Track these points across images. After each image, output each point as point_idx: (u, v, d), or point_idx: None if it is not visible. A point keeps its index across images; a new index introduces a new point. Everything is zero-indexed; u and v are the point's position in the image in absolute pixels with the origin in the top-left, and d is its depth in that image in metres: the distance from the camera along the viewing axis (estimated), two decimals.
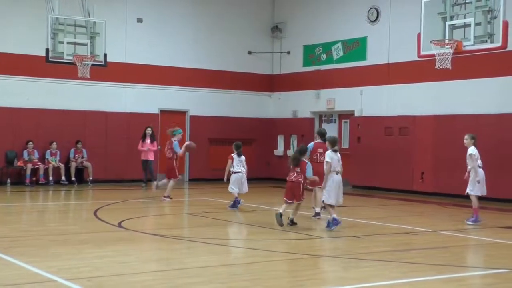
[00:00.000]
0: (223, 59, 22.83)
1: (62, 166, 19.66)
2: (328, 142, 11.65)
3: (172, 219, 13.55)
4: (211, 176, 22.24)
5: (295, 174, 11.54)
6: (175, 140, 15.87)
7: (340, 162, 11.48)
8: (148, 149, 19.51)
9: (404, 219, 13.33)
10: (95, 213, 13.05)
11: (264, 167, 23.06)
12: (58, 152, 19.78)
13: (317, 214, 12.82)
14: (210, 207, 14.95)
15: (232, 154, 14.33)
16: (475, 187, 12.64)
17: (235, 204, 14.02)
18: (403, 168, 19.02)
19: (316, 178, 11.62)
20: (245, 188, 14.21)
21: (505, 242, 10.61)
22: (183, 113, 22.37)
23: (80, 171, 20.15)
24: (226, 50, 22.91)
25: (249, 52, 23.38)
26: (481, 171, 12.65)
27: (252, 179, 22.07)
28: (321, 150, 12.80)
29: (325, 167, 11.37)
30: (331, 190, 11.31)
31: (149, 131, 19.72)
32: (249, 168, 22.26)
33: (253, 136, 23.19)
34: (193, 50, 22.37)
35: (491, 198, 16.53)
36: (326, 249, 10.06)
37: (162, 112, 21.84)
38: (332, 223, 11.30)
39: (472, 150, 12.66)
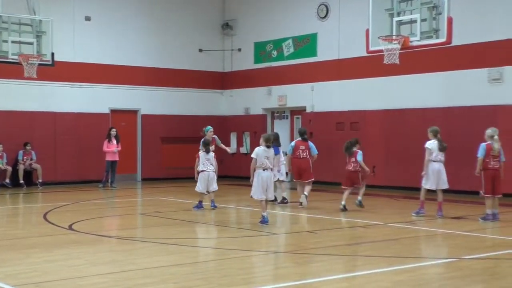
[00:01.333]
0: (174, 57, 22.68)
1: (9, 168, 19.23)
2: (262, 139, 11.77)
3: (125, 220, 13.39)
4: (164, 175, 22.13)
5: (353, 165, 13.63)
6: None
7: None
8: (116, 150, 19.37)
9: (356, 213, 13.46)
10: (44, 216, 12.79)
11: (218, 164, 22.92)
12: (5, 154, 19.32)
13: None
14: (164, 207, 14.84)
15: (199, 152, 14.12)
16: (424, 180, 12.86)
17: (199, 205, 13.83)
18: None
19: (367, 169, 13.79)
20: (213, 187, 13.88)
21: (453, 232, 10.84)
22: (134, 112, 22.16)
23: (29, 173, 19.74)
24: (176, 48, 22.77)
25: (200, 50, 23.29)
26: (434, 164, 12.81)
27: None
28: (303, 147, 14.40)
29: (252, 163, 11.61)
30: (258, 185, 11.47)
31: (113, 131, 19.53)
32: None
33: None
34: (144, 48, 22.16)
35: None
36: (280, 245, 10.09)
37: (113, 111, 21.58)
38: (266, 218, 11.53)
39: (428, 143, 12.87)
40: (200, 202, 13.84)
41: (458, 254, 8.82)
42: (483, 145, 12.05)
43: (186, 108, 22.89)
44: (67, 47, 20.15)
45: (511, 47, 16.14)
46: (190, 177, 21.95)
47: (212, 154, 14.02)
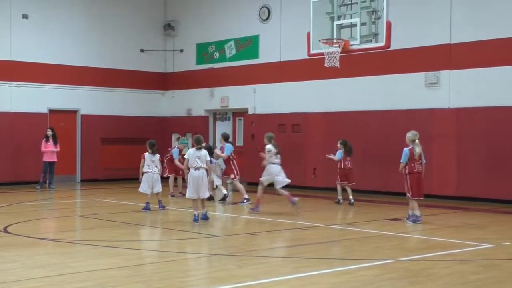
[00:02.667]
0: (115, 57, 22.38)
1: None
2: (194, 140, 12.38)
3: (63, 222, 13.12)
4: (104, 177, 21.81)
5: (350, 163, 15.38)
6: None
7: (209, 159, 12.24)
8: (54, 150, 19.00)
9: (296, 215, 13.57)
10: None
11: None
12: None
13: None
14: (103, 208, 14.62)
15: (145, 153, 13.95)
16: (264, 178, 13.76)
17: (147, 207, 13.70)
18: (296, 164, 19.35)
19: None
20: (157, 188, 13.78)
21: (391, 234, 11.04)
22: (73, 112, 21.76)
23: None
24: (117, 48, 22.48)
25: (142, 50, 23.05)
26: (274, 166, 13.68)
27: None
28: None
29: (184, 162, 12.50)
30: (190, 185, 12.02)
31: (49, 132, 19.18)
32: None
33: (147, 135, 22.72)
34: (84, 48, 21.78)
35: (381, 192, 17.21)
36: (221, 247, 10.07)
37: (52, 111, 21.13)
38: (202, 216, 12.07)
39: (268, 147, 13.69)
40: (147, 203, 13.72)
41: (395, 255, 8.99)
42: (406, 150, 12.23)
43: (127, 108, 22.62)
44: (4, 45, 19.69)
45: (448, 52, 16.57)
46: (131, 179, 21.86)
47: (157, 156, 13.89)
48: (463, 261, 8.68)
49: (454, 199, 15.99)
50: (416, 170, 12.16)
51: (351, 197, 15.34)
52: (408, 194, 12.26)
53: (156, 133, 23.00)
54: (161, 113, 23.55)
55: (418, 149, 12.12)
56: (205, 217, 12.10)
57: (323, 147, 18.78)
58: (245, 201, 15.01)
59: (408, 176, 12.19)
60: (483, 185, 15.81)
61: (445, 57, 16.60)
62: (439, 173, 16.47)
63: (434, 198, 15.91)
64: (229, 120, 22.54)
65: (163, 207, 13.87)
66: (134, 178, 21.90)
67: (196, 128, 22.35)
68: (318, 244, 10.06)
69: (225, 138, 15.90)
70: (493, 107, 15.73)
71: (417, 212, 12.24)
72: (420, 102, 16.96)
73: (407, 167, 12.16)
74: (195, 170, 11.95)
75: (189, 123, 22.74)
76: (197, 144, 12.11)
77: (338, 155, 15.64)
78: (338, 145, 15.71)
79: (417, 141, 12.20)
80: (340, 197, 15.59)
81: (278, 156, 13.66)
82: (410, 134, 12.29)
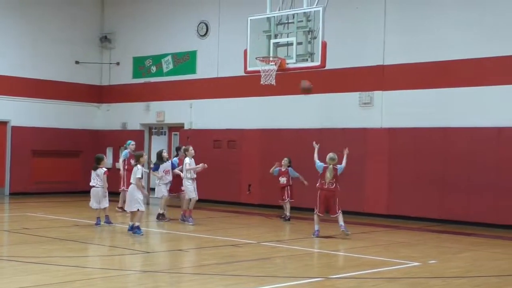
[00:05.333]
0: (49, 67, 21.94)
1: None
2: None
3: None
4: (34, 190, 21.27)
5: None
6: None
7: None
8: None
9: (230, 231, 13.57)
10: None
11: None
12: None
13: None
14: (31, 223, 14.22)
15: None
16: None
17: (97, 221, 13.50)
18: (231, 180, 19.40)
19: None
20: (103, 204, 13.51)
21: (322, 252, 11.15)
22: (3, 123, 21.17)
23: None
24: (52, 59, 22.04)
25: (77, 62, 22.68)
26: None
27: (79, 192, 21.50)
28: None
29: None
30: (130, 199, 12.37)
31: None
32: (76, 180, 21.81)
33: (81, 148, 22.49)
34: (17, 57, 21.27)
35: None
36: (150, 264, 9.94)
37: None
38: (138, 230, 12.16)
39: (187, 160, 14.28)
40: (98, 218, 13.53)
41: (325, 273, 9.07)
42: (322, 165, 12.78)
43: (60, 121, 22.16)
44: None
45: (381, 73, 16.96)
46: (63, 192, 21.41)
47: (101, 170, 13.56)
48: (390, 279, 8.84)
49: (385, 217, 16.29)
50: (326, 187, 12.60)
51: (287, 213, 15.49)
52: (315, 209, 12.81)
53: (91, 147, 22.64)
54: (95, 126, 23.18)
55: (329, 175, 12.54)
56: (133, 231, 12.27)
57: (258, 163, 18.88)
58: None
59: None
60: (413, 204, 16.19)
61: (378, 78, 16.99)
62: (371, 191, 16.77)
63: (366, 216, 16.18)
64: (164, 134, 22.40)
65: (109, 223, 13.62)
66: (66, 192, 21.57)
67: None
68: (249, 261, 10.06)
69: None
70: (421, 127, 16.17)
71: (317, 227, 12.71)
72: (354, 121, 17.27)
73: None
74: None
75: (124, 137, 22.37)
76: (136, 160, 12.65)
77: (275, 172, 15.79)
78: (283, 162, 15.77)
79: (330, 166, 12.46)
80: (286, 212, 15.72)
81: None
82: (330, 156, 12.74)
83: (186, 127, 21.00)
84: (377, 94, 17.03)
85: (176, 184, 15.02)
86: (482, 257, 11.02)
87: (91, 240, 12.13)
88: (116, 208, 16.31)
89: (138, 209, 12.26)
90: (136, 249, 10.92)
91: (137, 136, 22.25)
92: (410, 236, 13.57)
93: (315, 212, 12.82)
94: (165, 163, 14.95)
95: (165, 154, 15.12)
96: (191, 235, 12.94)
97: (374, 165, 16.89)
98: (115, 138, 22.70)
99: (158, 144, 22.37)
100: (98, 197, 13.50)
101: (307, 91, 14.94)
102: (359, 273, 9.18)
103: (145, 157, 13.12)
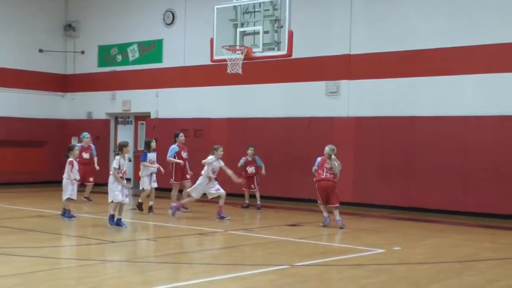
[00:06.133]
0: (11, 56, 21.55)
1: None
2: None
3: None
4: None
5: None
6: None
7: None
8: None
9: (198, 221, 13.54)
10: None
11: (57, 170, 22.09)
12: None
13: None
14: None
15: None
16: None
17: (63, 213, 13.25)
18: (198, 169, 19.24)
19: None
20: (65, 194, 13.14)
21: (289, 240, 11.21)
22: None
23: None
24: (15, 47, 21.66)
25: (40, 50, 22.32)
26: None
27: (43, 182, 21.25)
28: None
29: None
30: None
31: None
32: (39, 171, 21.54)
33: (45, 138, 22.19)
34: None
35: (283, 198, 17.45)
36: (116, 253, 9.88)
37: None
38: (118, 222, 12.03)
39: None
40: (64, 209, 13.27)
41: (291, 261, 9.11)
42: (318, 158, 12.76)
43: (24, 110, 21.81)
44: None
45: (347, 62, 17.04)
46: (27, 182, 21.11)
47: (68, 160, 13.20)
48: (355, 266, 8.92)
49: (351, 205, 16.42)
50: (323, 177, 12.56)
51: (258, 201, 15.63)
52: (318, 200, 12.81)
53: (55, 136, 22.37)
54: (60, 115, 22.88)
55: (336, 164, 12.65)
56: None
57: (225, 152, 18.77)
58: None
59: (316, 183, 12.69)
60: (378, 192, 16.35)
61: (344, 67, 17.07)
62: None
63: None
64: (131, 124, 22.22)
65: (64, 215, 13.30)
66: (30, 182, 21.27)
67: (97, 131, 21.88)
68: (216, 250, 10.06)
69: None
70: (388, 116, 16.31)
71: (325, 214, 12.73)
72: (321, 110, 17.34)
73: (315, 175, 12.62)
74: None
75: (89, 126, 22.15)
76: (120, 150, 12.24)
77: (243, 163, 15.82)
78: (248, 151, 15.80)
79: (333, 156, 12.57)
80: (247, 201, 15.88)
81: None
82: (327, 148, 12.79)
83: (152, 116, 20.86)
84: (344, 83, 17.12)
85: (182, 173, 14.88)
86: (445, 243, 11.20)
87: (56, 230, 11.99)
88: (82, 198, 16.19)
89: (112, 201, 12.02)
90: (102, 239, 10.83)
91: (103, 125, 22.08)
92: (375, 223, 13.72)
93: (319, 203, 12.82)
94: (152, 153, 14.52)
95: (153, 144, 14.65)
96: (159, 224, 12.89)
97: (340, 153, 16.84)
98: (80, 128, 22.35)
99: (124, 133, 22.19)
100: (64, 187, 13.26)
101: None
102: (325, 260, 9.26)
103: (129, 147, 12.65)
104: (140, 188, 14.51)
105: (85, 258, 9.30)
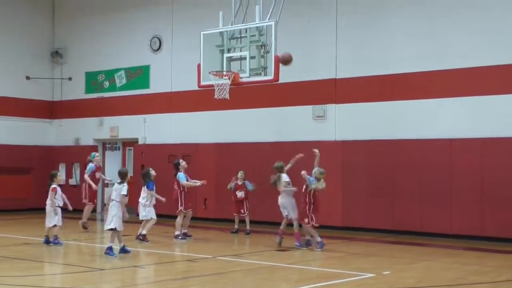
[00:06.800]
0: None
1: None
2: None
3: None
4: None
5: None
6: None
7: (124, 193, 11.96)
8: None
9: (186, 247, 13.48)
10: None
11: (43, 197, 21.90)
12: None
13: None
14: None
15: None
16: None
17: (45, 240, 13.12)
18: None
19: None
20: (50, 222, 12.99)
21: (278, 265, 11.18)
22: None
23: None
24: (1, 74, 21.62)
25: (27, 77, 22.30)
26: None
27: (29, 209, 21.10)
28: None
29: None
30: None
31: None
32: (26, 198, 21.39)
33: (32, 165, 22.08)
34: None
35: (272, 222, 17.41)
36: (104, 281, 9.81)
37: None
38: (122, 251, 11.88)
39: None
40: (46, 236, 13.16)
41: (281, 286, 9.10)
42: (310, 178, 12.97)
43: (11, 137, 21.70)
44: None
45: (333, 86, 17.16)
46: (12, 210, 20.93)
47: (51, 187, 13.18)
48: None
49: (340, 229, 16.42)
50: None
51: (248, 227, 15.63)
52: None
53: (43, 163, 22.25)
54: (48, 142, 22.81)
55: (320, 186, 12.93)
56: (122, 251, 11.92)
57: (213, 178, 18.82)
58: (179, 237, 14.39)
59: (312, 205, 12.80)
60: (367, 215, 16.38)
61: (331, 91, 17.18)
62: (326, 203, 16.85)
63: (321, 228, 16.22)
64: (118, 150, 22.18)
65: (55, 243, 13.12)
66: (16, 209, 21.11)
67: (85, 158, 21.72)
68: (205, 276, 10.02)
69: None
70: (374, 140, 16.40)
71: (313, 238, 12.89)
72: (308, 134, 17.39)
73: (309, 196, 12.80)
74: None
75: (77, 153, 22.14)
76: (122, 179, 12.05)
77: (233, 187, 15.79)
78: (238, 175, 15.78)
79: (322, 180, 12.80)
80: (236, 226, 15.83)
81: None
82: (320, 170, 13.01)
83: (140, 142, 20.84)
84: (330, 107, 17.22)
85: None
86: (434, 266, 11.21)
87: (42, 258, 11.90)
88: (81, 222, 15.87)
89: (115, 228, 11.77)
90: (90, 266, 10.75)
91: (91, 151, 21.95)
92: (364, 247, 13.72)
93: (314, 225, 12.93)
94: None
95: (153, 172, 14.45)
96: (148, 251, 12.81)
97: (328, 177, 16.94)
98: (67, 154, 22.38)
99: (112, 159, 22.15)
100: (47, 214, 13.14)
101: (286, 62, 13.70)
102: (314, 285, 9.24)
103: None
104: (148, 217, 13.93)
105: (73, 286, 9.22)
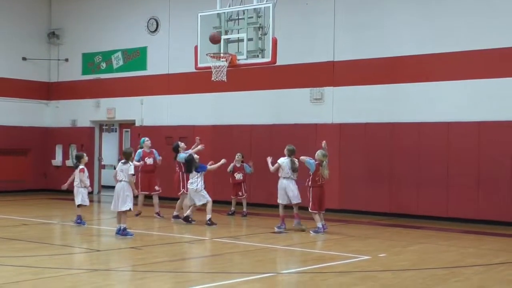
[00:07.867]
0: None
1: None
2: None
3: None
4: None
5: None
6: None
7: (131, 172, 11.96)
8: None
9: (183, 228, 13.50)
10: None
11: (41, 178, 22.04)
12: None
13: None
14: None
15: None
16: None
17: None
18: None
19: None
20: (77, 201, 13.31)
21: (274, 247, 11.21)
22: None
23: None
24: None
25: (24, 58, 22.20)
26: (283, 181, 13.31)
27: (27, 190, 21.13)
28: None
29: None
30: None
31: None
32: (23, 179, 21.39)
33: (29, 146, 22.06)
34: None
35: (267, 205, 17.45)
36: (102, 262, 9.83)
37: None
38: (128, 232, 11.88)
39: (280, 160, 13.46)
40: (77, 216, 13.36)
41: (276, 268, 9.13)
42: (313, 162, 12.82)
43: (6, 118, 21.66)
44: None
45: (331, 69, 17.11)
46: (10, 191, 20.94)
47: (79, 167, 13.31)
48: (341, 273, 8.94)
49: (337, 212, 16.45)
50: (319, 184, 12.67)
51: (245, 209, 15.63)
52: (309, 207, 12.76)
53: (39, 144, 22.26)
54: (44, 123, 22.76)
55: (326, 172, 12.66)
56: (122, 233, 11.80)
57: (211, 159, 18.78)
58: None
59: (311, 189, 12.66)
60: (363, 198, 16.41)
61: (328, 74, 17.15)
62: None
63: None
64: (115, 131, 22.15)
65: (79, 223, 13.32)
66: (14, 191, 21.11)
67: (82, 139, 21.83)
68: (202, 258, 10.05)
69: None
70: (371, 123, 16.39)
71: (320, 224, 12.73)
72: (306, 117, 17.39)
73: (310, 181, 12.65)
74: (117, 182, 11.92)
75: (74, 134, 22.12)
76: (123, 157, 12.04)
77: (230, 167, 15.75)
78: (237, 157, 15.77)
79: (324, 162, 12.62)
80: (233, 208, 15.85)
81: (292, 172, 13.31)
82: (323, 152, 12.75)
83: (137, 123, 20.81)
84: (328, 90, 17.19)
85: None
86: (430, 250, 11.25)
87: (40, 239, 11.90)
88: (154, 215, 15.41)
89: (130, 209, 11.82)
90: (87, 247, 10.77)
91: (87, 133, 21.98)
92: (361, 230, 13.75)
93: (312, 210, 12.75)
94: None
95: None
96: (145, 232, 12.83)
97: None
98: (64, 136, 22.35)
99: (109, 141, 22.14)
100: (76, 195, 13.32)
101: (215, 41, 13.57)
102: (310, 267, 9.26)
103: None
104: (204, 201, 13.74)
105: (70, 267, 9.24)
